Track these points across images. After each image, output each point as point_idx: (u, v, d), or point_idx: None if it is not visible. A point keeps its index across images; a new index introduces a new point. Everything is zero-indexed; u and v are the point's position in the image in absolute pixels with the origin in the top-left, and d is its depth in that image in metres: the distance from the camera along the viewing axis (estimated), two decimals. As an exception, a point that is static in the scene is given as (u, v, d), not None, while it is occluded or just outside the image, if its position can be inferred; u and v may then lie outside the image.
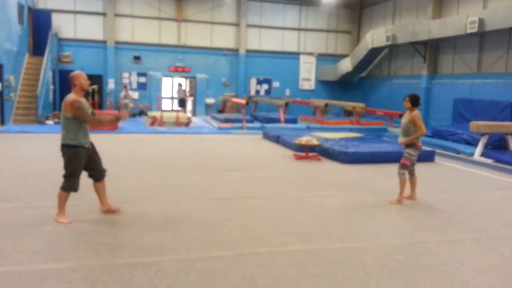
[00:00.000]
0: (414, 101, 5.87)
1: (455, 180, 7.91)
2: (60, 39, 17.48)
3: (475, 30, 11.92)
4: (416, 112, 5.82)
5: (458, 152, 10.40)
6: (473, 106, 13.24)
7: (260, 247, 4.13)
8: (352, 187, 6.88)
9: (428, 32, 14.09)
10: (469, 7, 13.92)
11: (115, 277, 3.38)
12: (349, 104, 17.01)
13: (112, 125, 4.45)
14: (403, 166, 5.87)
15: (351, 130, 14.09)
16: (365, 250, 4.15)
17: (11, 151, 9.09)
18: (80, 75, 4.59)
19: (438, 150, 10.50)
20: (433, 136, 12.07)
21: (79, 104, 4.44)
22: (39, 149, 9.48)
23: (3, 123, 12.99)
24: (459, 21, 12.74)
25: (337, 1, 19.96)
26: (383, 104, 18.15)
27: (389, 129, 14.45)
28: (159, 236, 4.31)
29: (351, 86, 21.14)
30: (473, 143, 10.59)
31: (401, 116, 14.68)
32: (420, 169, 8.53)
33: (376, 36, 17.01)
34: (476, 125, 9.74)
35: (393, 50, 18.16)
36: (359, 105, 15.98)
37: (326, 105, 16.24)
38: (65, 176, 4.56)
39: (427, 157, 9.46)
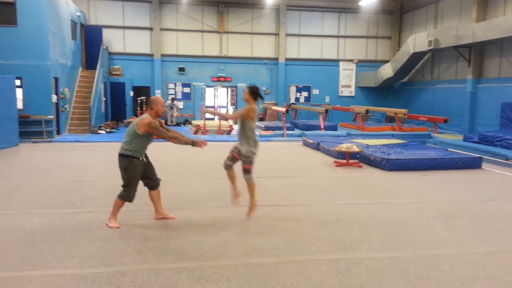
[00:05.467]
0: (253, 93, 5.18)
1: (504, 187, 7.53)
2: (110, 53, 18.43)
3: (525, 31, 11.38)
4: (252, 106, 5.14)
5: (507, 158, 9.90)
6: (523, 110, 12.60)
7: (301, 255, 4.15)
8: (395, 195, 6.73)
9: (472, 35, 13.60)
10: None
11: (160, 282, 3.51)
12: (391, 110, 16.64)
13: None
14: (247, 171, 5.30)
15: (393, 136, 13.76)
16: (409, 260, 4.06)
17: (65, 159, 9.64)
18: (159, 101, 4.80)
19: (485, 157, 10.05)
20: (480, 142, 11.55)
21: (155, 124, 4.67)
22: (92, 157, 10.01)
23: (59, 133, 13.81)
24: (506, 23, 12.20)
25: (377, 7, 19.70)
26: (427, 109, 17.62)
27: (434, 135, 13.98)
28: (202, 242, 4.43)
29: (392, 92, 20.71)
30: (524, 149, 10.07)
31: (446, 121, 14.30)
32: (468, 176, 8.27)
33: (417, 40, 16.62)
34: (528, 130, 9.25)
35: (436, 54, 17.64)
36: (401, 111, 15.60)
37: (367, 111, 15.97)
38: (123, 186, 4.81)
39: (474, 164, 9.09)
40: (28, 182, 7.18)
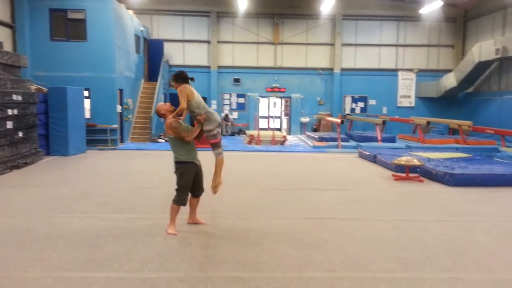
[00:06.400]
0: (179, 78, 5.13)
1: None
2: (170, 66, 19.25)
3: None
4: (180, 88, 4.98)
5: None
6: None
7: (358, 272, 4.03)
8: (459, 212, 6.36)
9: (547, 42, 12.63)
10: None
11: (216, 290, 3.58)
12: (454, 122, 15.81)
13: (200, 131, 4.76)
14: None
15: (457, 149, 13.05)
16: (476, 283, 3.81)
17: (128, 166, 10.15)
18: (159, 106, 5.13)
19: None
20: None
21: (176, 123, 4.89)
22: (152, 165, 10.46)
23: (122, 141, 14.58)
24: None
25: (438, 14, 18.93)
26: (494, 121, 16.53)
27: (502, 149, 13.07)
28: (257, 252, 4.45)
29: (456, 103, 19.70)
30: None
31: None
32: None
33: (483, 49, 15.73)
34: None
35: (504, 63, 16.55)
36: (466, 123, 14.76)
37: (428, 122, 15.30)
38: (177, 190, 5.00)
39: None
40: (94, 188, 7.63)
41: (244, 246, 4.63)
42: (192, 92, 4.98)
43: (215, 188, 5.09)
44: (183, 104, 4.85)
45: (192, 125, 5.08)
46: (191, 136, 4.89)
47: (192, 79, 5.20)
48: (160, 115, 5.10)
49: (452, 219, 5.96)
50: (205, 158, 5.39)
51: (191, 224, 5.33)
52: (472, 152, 12.51)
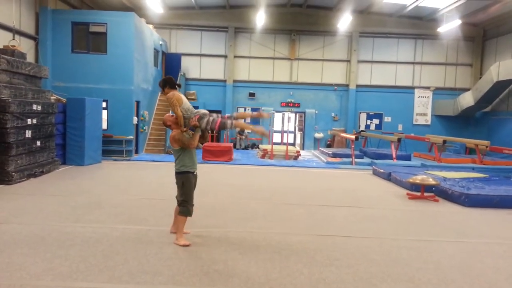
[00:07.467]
0: (165, 83, 5.30)
1: None
2: (187, 79, 19.52)
3: None
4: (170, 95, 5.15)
5: None
6: None
7: (370, 291, 3.97)
8: (475, 234, 6.22)
9: None
10: None
11: (226, 305, 3.56)
12: (471, 141, 15.57)
13: (202, 131, 4.87)
14: None
15: (473, 169, 12.83)
16: (491, 307, 3.71)
17: (142, 177, 10.24)
18: (166, 117, 5.29)
19: None
20: None
21: (178, 135, 5.03)
22: (165, 176, 10.49)
23: (137, 152, 14.74)
24: None
25: (457, 33, 18.85)
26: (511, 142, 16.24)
27: (521, 171, 12.80)
28: (267, 268, 4.42)
29: (473, 122, 19.45)
30: None
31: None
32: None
33: (502, 68, 15.58)
34: None
35: (524, 83, 16.33)
36: (483, 143, 14.52)
37: (444, 141, 15.10)
38: (182, 201, 5.07)
39: None
40: (108, 198, 7.71)
41: (255, 262, 4.60)
42: (180, 98, 5.15)
43: (263, 134, 5.62)
44: (178, 112, 5.05)
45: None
46: (195, 141, 5.03)
47: (179, 85, 5.38)
48: (166, 125, 5.28)
49: (467, 241, 5.83)
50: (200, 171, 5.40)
51: (173, 233, 5.34)
52: (489, 172, 12.29)
